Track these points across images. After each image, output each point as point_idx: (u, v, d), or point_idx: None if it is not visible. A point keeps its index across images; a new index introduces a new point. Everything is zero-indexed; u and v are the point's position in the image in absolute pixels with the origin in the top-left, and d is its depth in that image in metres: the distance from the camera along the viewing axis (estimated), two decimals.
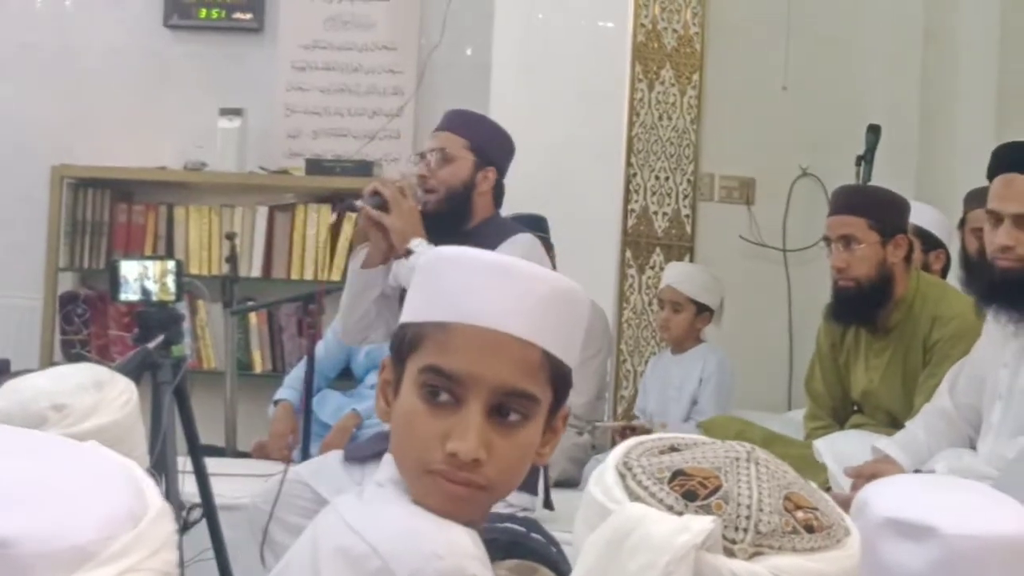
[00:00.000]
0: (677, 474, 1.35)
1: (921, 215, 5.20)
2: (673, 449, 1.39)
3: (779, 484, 1.35)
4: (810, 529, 1.33)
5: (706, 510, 1.32)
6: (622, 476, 1.36)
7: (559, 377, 1.86)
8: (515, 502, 4.09)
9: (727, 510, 1.32)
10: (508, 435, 1.82)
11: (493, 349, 1.81)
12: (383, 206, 4.20)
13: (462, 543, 1.76)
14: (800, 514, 1.34)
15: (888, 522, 1.59)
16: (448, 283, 1.85)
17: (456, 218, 4.35)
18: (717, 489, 1.33)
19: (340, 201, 4.88)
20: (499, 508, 1.99)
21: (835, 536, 1.34)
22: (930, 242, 5.48)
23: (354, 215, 6.56)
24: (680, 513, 1.31)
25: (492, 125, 4.56)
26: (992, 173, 3.96)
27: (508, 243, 4.23)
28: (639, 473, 1.36)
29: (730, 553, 1.30)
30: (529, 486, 4.30)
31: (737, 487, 1.34)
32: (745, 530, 1.31)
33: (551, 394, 1.86)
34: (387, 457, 1.89)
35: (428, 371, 1.81)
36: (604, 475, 1.38)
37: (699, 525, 1.29)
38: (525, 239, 4.36)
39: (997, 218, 3.90)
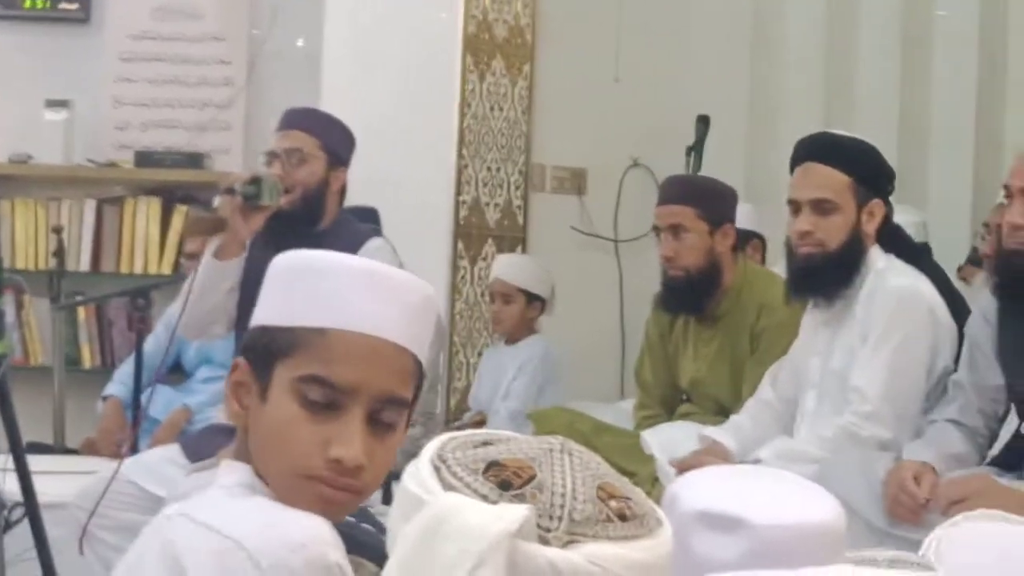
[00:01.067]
0: (492, 465, 1.36)
1: None
2: (486, 443, 1.40)
3: (592, 474, 1.37)
4: (623, 518, 1.35)
5: (521, 499, 1.33)
6: (437, 468, 1.37)
7: (421, 381, 1.90)
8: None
9: (541, 499, 1.33)
10: (384, 440, 1.85)
11: (374, 357, 1.83)
12: (257, 195, 4.15)
13: (323, 532, 1.77)
14: (613, 503, 1.35)
15: (699, 515, 1.60)
16: (322, 288, 1.85)
17: (310, 219, 4.32)
18: (531, 479, 1.35)
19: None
20: None
21: (648, 525, 1.36)
22: (742, 236, 5.56)
23: (184, 208, 6.53)
24: (495, 502, 1.32)
25: (341, 125, 4.51)
26: (792, 165, 4.06)
27: (366, 250, 4.21)
28: (454, 465, 1.36)
29: (545, 541, 1.31)
30: None
31: (551, 477, 1.35)
32: (560, 518, 1.32)
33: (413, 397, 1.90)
34: (231, 463, 1.88)
35: (310, 380, 1.82)
36: (419, 468, 1.38)
37: (513, 513, 1.30)
38: (380, 245, 4.37)
39: (797, 207, 4.01)
